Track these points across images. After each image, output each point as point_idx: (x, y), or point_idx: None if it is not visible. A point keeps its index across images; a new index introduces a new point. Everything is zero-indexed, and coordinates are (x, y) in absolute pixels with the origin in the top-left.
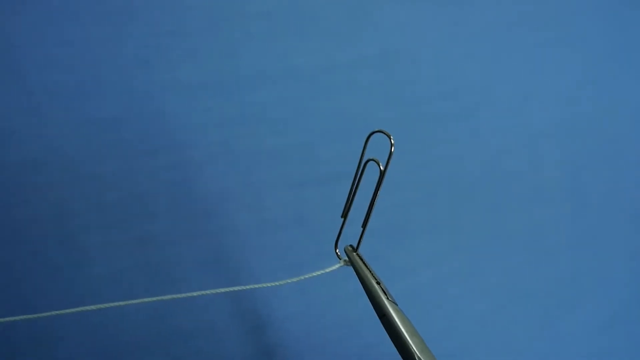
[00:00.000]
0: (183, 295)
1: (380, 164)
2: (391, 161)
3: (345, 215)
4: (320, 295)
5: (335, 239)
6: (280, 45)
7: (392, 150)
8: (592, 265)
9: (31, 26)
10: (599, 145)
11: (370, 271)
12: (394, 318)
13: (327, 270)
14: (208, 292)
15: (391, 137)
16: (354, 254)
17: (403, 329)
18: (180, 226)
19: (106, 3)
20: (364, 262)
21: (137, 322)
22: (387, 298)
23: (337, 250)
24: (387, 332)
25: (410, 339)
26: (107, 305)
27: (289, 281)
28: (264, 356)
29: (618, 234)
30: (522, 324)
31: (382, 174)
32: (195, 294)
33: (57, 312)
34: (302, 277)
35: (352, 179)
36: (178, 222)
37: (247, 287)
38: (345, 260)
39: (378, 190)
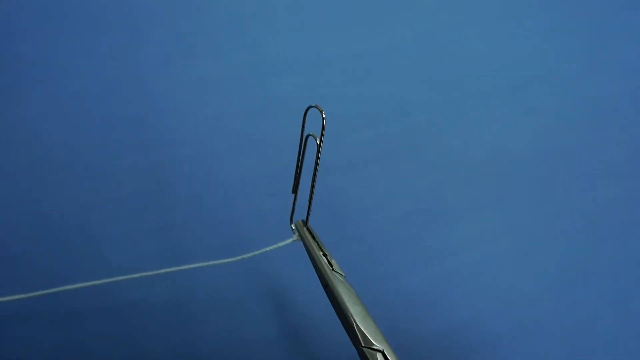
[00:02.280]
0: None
1: (317, 138)
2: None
3: (294, 190)
4: None
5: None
6: (307, 35)
7: (324, 123)
8: None
9: (55, 34)
10: None
11: (318, 244)
12: (335, 288)
13: (280, 244)
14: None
15: (322, 111)
16: (304, 228)
17: (344, 298)
18: (200, 217)
19: (124, 6)
20: (312, 236)
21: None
22: (332, 269)
23: (292, 225)
24: (330, 301)
25: (351, 308)
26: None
27: (245, 257)
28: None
29: None
30: (586, 304)
31: (318, 147)
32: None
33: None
34: (256, 253)
35: (297, 155)
36: (198, 213)
37: (190, 266)
38: (297, 235)
39: (317, 164)
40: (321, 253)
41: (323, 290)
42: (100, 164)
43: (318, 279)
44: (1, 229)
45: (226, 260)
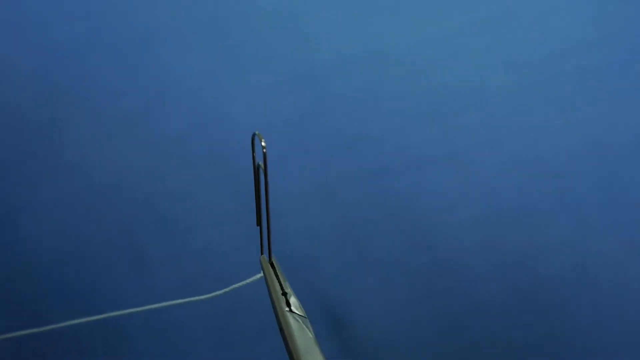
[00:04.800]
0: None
1: (262, 166)
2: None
3: (259, 223)
4: None
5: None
6: (361, 27)
7: (265, 151)
8: None
9: (101, 58)
10: None
11: (280, 282)
12: (290, 332)
13: (248, 281)
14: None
15: (262, 139)
16: (268, 264)
17: (297, 345)
18: (248, 233)
19: (173, 22)
20: (275, 272)
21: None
22: (290, 310)
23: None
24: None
25: (301, 354)
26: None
27: (214, 295)
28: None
29: None
30: None
31: (264, 177)
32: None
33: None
34: (226, 290)
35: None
36: (245, 230)
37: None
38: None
39: (267, 194)
40: (281, 292)
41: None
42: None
43: None
44: (51, 258)
45: (195, 299)
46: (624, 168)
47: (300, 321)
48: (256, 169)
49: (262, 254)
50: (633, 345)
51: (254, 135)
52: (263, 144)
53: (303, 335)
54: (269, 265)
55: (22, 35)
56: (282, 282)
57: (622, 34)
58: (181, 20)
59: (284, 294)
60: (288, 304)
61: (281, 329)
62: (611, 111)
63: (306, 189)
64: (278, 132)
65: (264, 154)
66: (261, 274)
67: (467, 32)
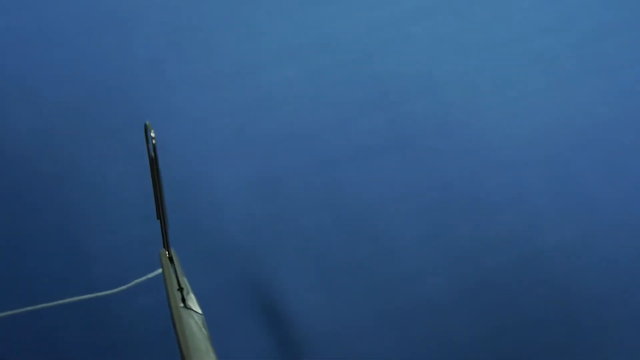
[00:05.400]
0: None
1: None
2: None
3: (159, 216)
4: None
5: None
6: (303, 16)
7: (154, 142)
8: None
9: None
10: None
11: (177, 277)
12: (181, 330)
13: (150, 276)
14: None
15: (152, 130)
16: (167, 258)
17: (188, 343)
18: (189, 222)
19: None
20: (174, 267)
21: None
22: (184, 306)
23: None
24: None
25: (193, 354)
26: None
27: (118, 290)
28: None
29: None
30: None
31: (152, 165)
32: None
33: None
34: (130, 285)
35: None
36: (186, 218)
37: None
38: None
39: (159, 183)
40: (177, 288)
41: None
42: None
43: None
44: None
45: (100, 294)
46: (576, 157)
47: (195, 318)
48: (151, 160)
49: (164, 247)
50: (581, 339)
51: (145, 125)
52: (152, 134)
53: (195, 333)
54: (168, 259)
55: None
56: (180, 277)
57: (575, 18)
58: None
59: (180, 289)
60: (183, 300)
61: (173, 325)
62: (564, 98)
63: (248, 180)
64: (219, 122)
65: (154, 145)
66: (158, 271)
67: (415, 17)
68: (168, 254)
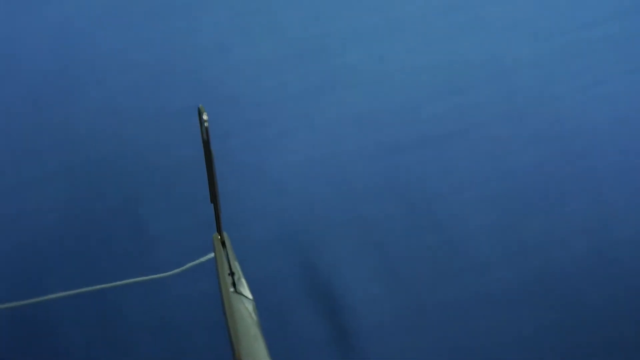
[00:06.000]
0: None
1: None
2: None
3: (213, 199)
4: None
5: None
6: None
7: (207, 126)
8: None
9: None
10: None
11: (229, 261)
12: (231, 315)
13: (203, 259)
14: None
15: (205, 113)
16: (219, 242)
17: (237, 329)
18: (251, 206)
19: None
20: (226, 251)
21: None
22: (235, 291)
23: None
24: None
25: (242, 341)
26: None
27: (172, 273)
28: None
29: None
30: None
31: (208, 151)
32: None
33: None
34: (184, 268)
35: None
36: (248, 203)
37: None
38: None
39: (212, 167)
40: (228, 272)
41: None
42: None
43: None
44: (57, 226)
45: (151, 277)
46: None
47: (246, 303)
48: (204, 143)
49: (217, 231)
50: None
51: (198, 109)
52: (205, 117)
53: (245, 317)
54: (220, 243)
55: (36, 9)
56: (231, 262)
57: None
58: None
59: (231, 274)
60: (234, 285)
61: (224, 312)
62: None
63: (310, 165)
64: (283, 107)
65: (206, 128)
66: (211, 255)
67: (486, 0)
68: (220, 238)
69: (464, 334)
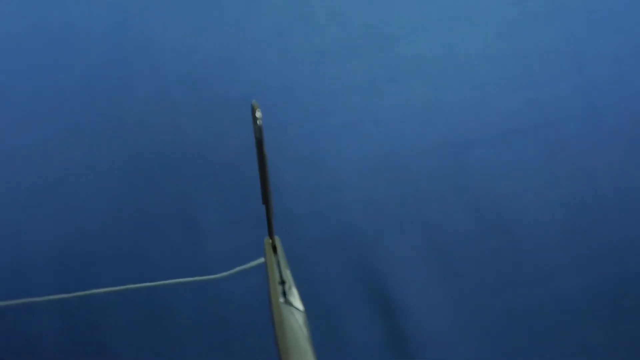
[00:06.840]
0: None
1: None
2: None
3: (265, 201)
4: None
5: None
6: None
7: (260, 123)
8: None
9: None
10: None
11: (280, 269)
12: (281, 327)
13: (253, 264)
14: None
15: (258, 109)
16: (270, 247)
17: (286, 342)
18: (306, 202)
19: None
20: (277, 258)
21: None
22: (285, 302)
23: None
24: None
25: (293, 354)
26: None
27: (219, 276)
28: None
29: None
30: None
31: (259, 149)
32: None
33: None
34: (232, 271)
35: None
36: (303, 198)
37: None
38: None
39: (264, 167)
40: (279, 281)
41: None
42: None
43: None
44: (106, 218)
45: (198, 279)
46: None
47: (296, 315)
48: (257, 142)
49: (268, 235)
50: None
51: (252, 105)
52: (258, 114)
53: (295, 330)
54: (271, 248)
55: None
56: (282, 270)
57: None
58: None
59: (282, 282)
60: (284, 294)
61: (272, 322)
62: None
63: (372, 161)
64: (344, 98)
65: (260, 126)
66: (261, 260)
67: None
68: (272, 242)
69: (530, 344)
